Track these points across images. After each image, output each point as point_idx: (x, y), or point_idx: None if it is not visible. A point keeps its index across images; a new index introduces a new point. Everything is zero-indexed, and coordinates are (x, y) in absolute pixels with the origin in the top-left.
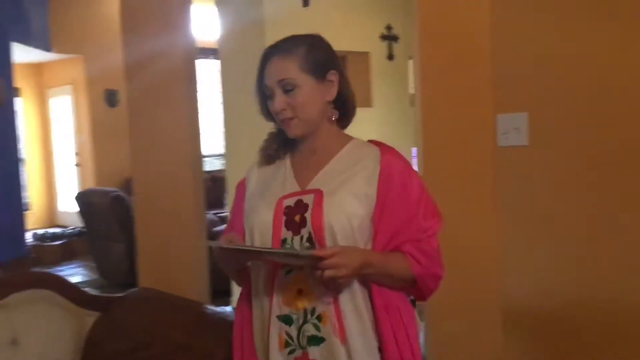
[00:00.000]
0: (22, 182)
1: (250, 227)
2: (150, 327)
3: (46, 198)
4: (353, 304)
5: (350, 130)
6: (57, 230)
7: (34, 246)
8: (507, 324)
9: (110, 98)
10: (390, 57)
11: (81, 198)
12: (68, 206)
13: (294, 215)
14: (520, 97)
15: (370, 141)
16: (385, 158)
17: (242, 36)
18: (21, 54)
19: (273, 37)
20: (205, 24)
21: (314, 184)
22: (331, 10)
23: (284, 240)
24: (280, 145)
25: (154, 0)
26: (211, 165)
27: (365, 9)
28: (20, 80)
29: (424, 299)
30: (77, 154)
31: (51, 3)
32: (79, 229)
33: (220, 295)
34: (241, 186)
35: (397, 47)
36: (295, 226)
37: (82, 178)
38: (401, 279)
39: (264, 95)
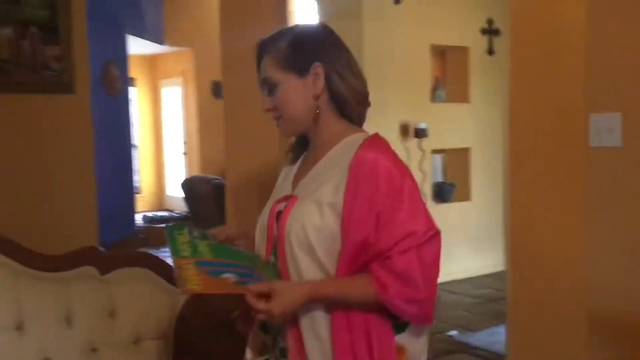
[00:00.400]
0: (134, 167)
1: (256, 230)
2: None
3: (156, 183)
4: (313, 331)
5: (444, 126)
6: (165, 213)
7: (143, 228)
8: (592, 328)
9: (216, 89)
10: (491, 52)
11: (186, 185)
12: (175, 191)
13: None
14: (614, 97)
15: (374, 135)
16: (355, 158)
17: (340, 30)
18: (136, 46)
19: (370, 30)
20: (303, 17)
21: (300, 189)
22: (431, 4)
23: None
24: (301, 145)
25: None
26: None
27: (466, 3)
28: (135, 71)
29: (411, 321)
30: (184, 142)
31: None
32: (184, 213)
33: None
34: None
35: (498, 42)
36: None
37: (188, 165)
38: (368, 304)
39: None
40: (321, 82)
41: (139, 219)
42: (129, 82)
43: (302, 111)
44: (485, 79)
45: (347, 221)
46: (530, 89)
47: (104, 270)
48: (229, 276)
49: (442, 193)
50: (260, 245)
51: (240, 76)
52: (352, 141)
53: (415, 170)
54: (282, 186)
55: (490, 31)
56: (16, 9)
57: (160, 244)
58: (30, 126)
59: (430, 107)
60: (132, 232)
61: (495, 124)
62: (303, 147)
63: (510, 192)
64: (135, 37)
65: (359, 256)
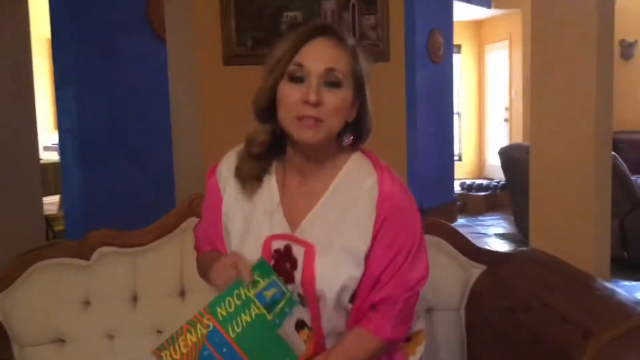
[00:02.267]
0: (455, 135)
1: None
2: (533, 290)
3: (476, 150)
4: None
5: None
6: (484, 181)
7: (460, 195)
8: None
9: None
10: None
11: (503, 153)
12: (495, 160)
13: (284, 263)
14: None
15: (368, 155)
16: (380, 198)
17: None
18: (462, 12)
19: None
20: None
21: (304, 230)
22: None
23: None
24: (263, 167)
25: None
26: None
27: None
28: (459, 38)
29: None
30: (506, 108)
31: None
32: (502, 182)
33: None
34: (214, 184)
35: None
36: (284, 276)
37: (510, 133)
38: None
39: (280, 78)
40: (355, 111)
41: (457, 186)
42: (453, 49)
43: (336, 129)
44: None
45: (370, 261)
46: None
47: None
48: None
49: None
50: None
51: (551, 45)
52: (355, 169)
53: None
54: (269, 216)
55: None
56: None
57: (476, 212)
58: None
59: None
60: (450, 199)
61: None
62: (268, 160)
63: None
64: (461, 2)
65: (370, 296)
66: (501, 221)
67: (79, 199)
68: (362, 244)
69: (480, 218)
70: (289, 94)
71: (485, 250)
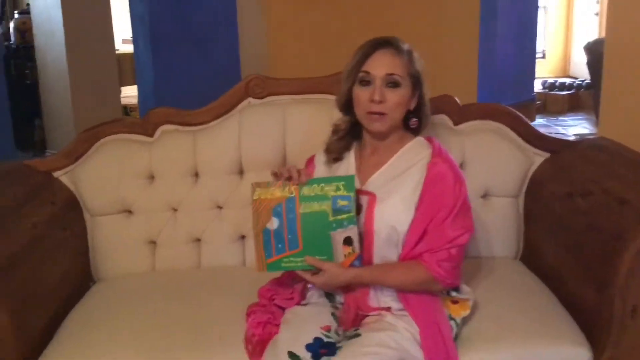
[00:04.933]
0: (537, 30)
1: None
2: (595, 177)
3: (562, 47)
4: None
5: None
6: (567, 80)
7: (540, 94)
8: None
9: None
10: None
11: (589, 48)
12: (582, 56)
13: None
14: None
15: (428, 139)
16: (431, 163)
17: None
18: None
19: None
20: None
21: (370, 184)
22: None
23: None
24: (345, 146)
25: None
26: None
27: None
28: None
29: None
30: (597, 1)
31: None
32: (587, 81)
33: None
34: (310, 164)
35: None
36: None
37: (600, 28)
38: (402, 287)
39: (353, 83)
40: (415, 101)
41: (537, 84)
42: None
43: (400, 118)
44: None
45: (417, 214)
46: None
47: (457, 121)
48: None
49: None
50: None
51: None
52: (416, 145)
53: None
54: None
55: None
56: None
57: (557, 112)
58: None
59: None
60: (529, 97)
61: None
62: (344, 150)
63: None
64: None
65: (417, 246)
66: (583, 122)
67: (152, 87)
68: (413, 195)
69: (560, 118)
70: (360, 95)
71: (549, 137)
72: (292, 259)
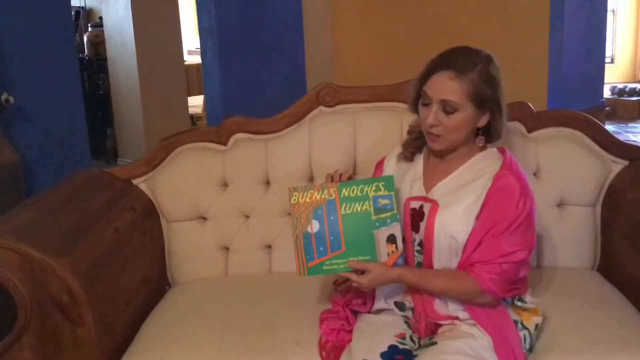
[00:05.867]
0: (606, 34)
1: None
2: None
3: (631, 51)
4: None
5: None
6: (637, 85)
7: (610, 100)
8: None
9: None
10: None
11: None
12: None
13: (416, 217)
14: None
15: (501, 150)
16: (498, 175)
17: None
18: None
19: None
20: None
21: (435, 192)
22: None
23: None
24: (417, 148)
25: None
26: None
27: None
28: None
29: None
30: None
31: None
32: None
33: None
34: (380, 167)
35: None
36: (413, 226)
37: None
38: (446, 293)
39: (419, 95)
40: (487, 118)
41: (607, 90)
42: None
43: (463, 138)
44: None
45: (477, 224)
46: None
47: (531, 128)
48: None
49: None
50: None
51: None
52: (486, 156)
53: None
54: (411, 183)
55: None
56: None
57: (628, 118)
58: None
59: None
60: (598, 103)
61: None
62: (417, 152)
63: None
64: None
65: (472, 255)
66: None
67: (219, 96)
68: (474, 205)
69: (630, 125)
70: (422, 113)
71: (628, 144)
72: (334, 261)
